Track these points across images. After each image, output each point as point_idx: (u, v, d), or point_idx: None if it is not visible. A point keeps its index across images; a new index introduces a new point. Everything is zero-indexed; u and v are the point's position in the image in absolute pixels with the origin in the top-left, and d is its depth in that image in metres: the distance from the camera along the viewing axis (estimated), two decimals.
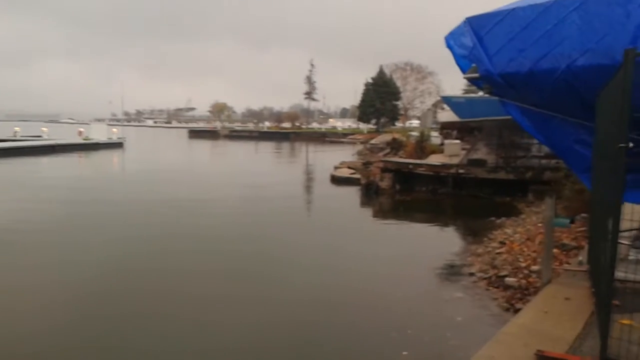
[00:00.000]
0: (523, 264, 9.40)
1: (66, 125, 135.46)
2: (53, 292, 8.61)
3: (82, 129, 49.91)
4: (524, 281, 8.61)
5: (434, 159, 22.43)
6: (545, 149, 18.96)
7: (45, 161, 34.02)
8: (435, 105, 74.92)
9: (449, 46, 7.77)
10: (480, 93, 26.34)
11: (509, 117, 18.10)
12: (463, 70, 7.97)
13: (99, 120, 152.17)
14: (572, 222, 7.37)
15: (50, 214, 15.25)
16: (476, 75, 7.45)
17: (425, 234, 14.63)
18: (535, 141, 19.74)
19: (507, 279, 8.84)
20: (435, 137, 30.73)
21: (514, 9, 7.01)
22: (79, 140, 46.52)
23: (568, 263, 7.93)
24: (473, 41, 7.36)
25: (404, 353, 6.31)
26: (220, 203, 18.08)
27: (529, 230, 12.25)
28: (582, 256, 6.50)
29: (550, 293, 5.24)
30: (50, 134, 49.64)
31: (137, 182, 23.83)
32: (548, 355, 3.70)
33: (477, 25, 7.39)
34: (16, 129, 52.74)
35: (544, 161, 18.81)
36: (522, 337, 4.13)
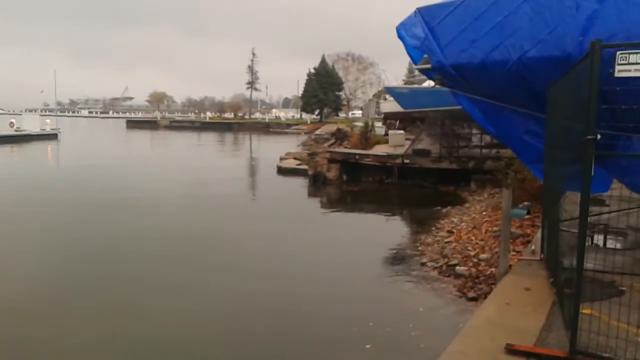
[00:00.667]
0: (472, 253, 9.57)
1: None
2: None
3: (13, 120, 47.20)
4: (474, 269, 8.76)
5: (379, 150, 22.59)
6: (487, 139, 19.50)
7: None
8: (377, 95, 75.82)
9: (400, 37, 7.72)
10: (427, 84, 26.87)
11: (451, 107, 18.51)
12: (414, 61, 7.95)
13: (30, 110, 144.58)
14: (528, 212, 7.53)
15: None
16: (428, 66, 7.44)
17: (375, 223, 14.71)
18: (476, 131, 20.28)
19: (457, 267, 8.98)
20: (379, 128, 31.00)
21: (465, 0, 7.03)
22: (10, 131, 44.00)
23: (516, 252, 8.11)
24: (425, 32, 7.33)
25: (367, 346, 6.25)
26: (161, 200, 17.48)
27: (474, 218, 12.51)
28: (535, 245, 6.64)
29: (509, 284, 5.30)
30: None
31: (72, 179, 22.76)
32: (517, 348, 3.70)
33: (428, 16, 7.37)
34: None
35: (485, 151, 19.30)
36: (488, 331, 4.13)
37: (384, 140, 25.58)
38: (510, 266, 6.18)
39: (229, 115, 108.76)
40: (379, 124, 33.73)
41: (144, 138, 57.26)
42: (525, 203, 10.58)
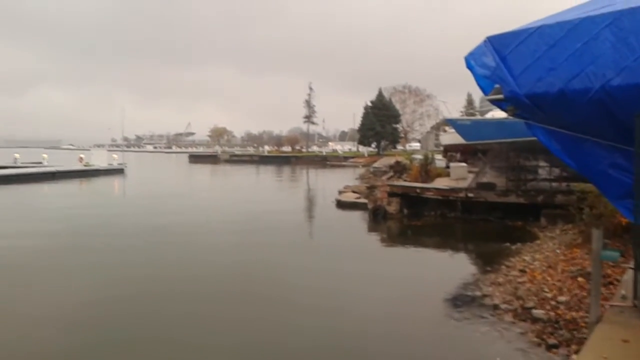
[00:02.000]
0: (549, 295, 8.91)
1: (67, 151, 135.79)
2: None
3: (82, 155, 49.55)
4: (552, 313, 8.12)
5: (440, 183, 22.01)
6: (556, 172, 18.62)
7: (45, 188, 33.57)
8: (435, 127, 74.99)
9: (469, 66, 7.39)
10: (491, 115, 26.15)
11: (517, 139, 17.71)
12: (485, 92, 7.58)
13: (99, 146, 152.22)
14: (621, 255, 6.90)
15: (45, 249, 14.77)
16: (500, 96, 7.06)
17: (439, 259, 14.14)
18: (545, 164, 19.43)
19: (534, 311, 8.34)
20: (439, 160, 30.37)
21: (540, 27, 6.64)
22: (79, 166, 46.16)
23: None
24: (496, 61, 6.98)
25: None
26: (222, 231, 17.58)
27: (548, 257, 11.77)
28: (625, 289, 6.04)
29: (603, 335, 4.76)
30: (50, 161, 49.44)
31: (138, 211, 23.37)
32: None
33: (499, 44, 7.02)
34: (16, 155, 52.46)
35: (554, 184, 18.41)
36: None
37: (444, 173, 24.96)
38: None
39: (286, 148, 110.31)
40: (438, 156, 33.09)
41: (205, 172, 58.70)
42: (607, 241, 9.83)
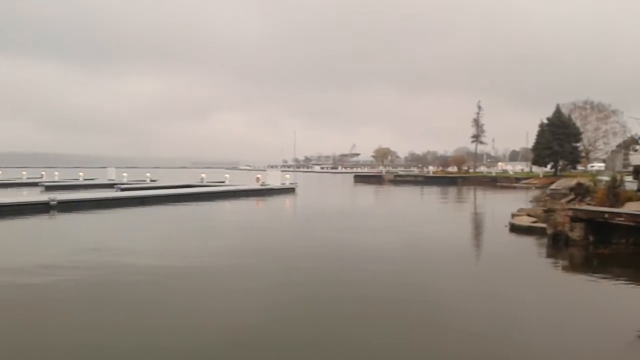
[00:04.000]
0: None
1: (244, 171, 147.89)
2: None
3: (259, 176, 53.60)
4: None
5: (632, 207, 19.57)
6: None
7: (227, 205, 36.78)
8: (623, 146, 67.53)
9: None
10: None
11: None
12: None
13: (272, 166, 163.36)
14: None
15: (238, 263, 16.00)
16: None
17: (632, 292, 12.48)
18: None
19: None
20: (629, 182, 27.12)
21: None
22: (256, 186, 49.90)
23: None
24: None
25: None
26: (382, 251, 17.52)
27: None
28: None
29: None
30: (231, 180, 54.25)
31: (312, 226, 24.43)
32: None
33: None
34: (202, 175, 58.64)
35: None
36: None
37: (635, 196, 22.21)
38: None
39: (452, 169, 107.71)
40: (628, 177, 29.58)
41: (369, 191, 59.66)
42: None
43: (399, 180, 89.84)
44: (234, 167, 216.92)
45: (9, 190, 49.02)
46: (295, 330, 8.91)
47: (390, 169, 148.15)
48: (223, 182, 54.38)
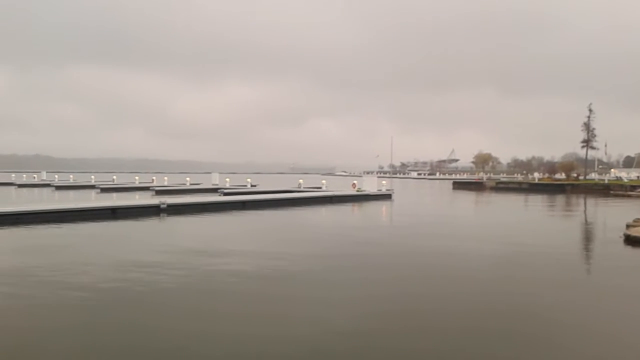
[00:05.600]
0: None
1: (340, 177, 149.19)
2: None
3: (355, 182, 53.74)
4: None
5: None
6: None
7: (323, 210, 37.18)
8: None
9: None
10: None
11: None
12: None
13: (367, 172, 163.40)
14: None
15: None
16: None
17: None
18: None
19: None
20: None
21: None
22: (352, 192, 50.06)
23: None
24: None
25: None
26: (472, 270, 16.74)
27: None
28: None
29: None
30: (328, 186, 54.88)
31: (412, 234, 24.07)
32: None
33: None
34: (300, 181, 59.84)
35: None
36: None
37: None
38: None
39: (559, 176, 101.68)
40: None
41: (469, 199, 57.70)
42: None
43: (501, 187, 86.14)
44: (329, 173, 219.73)
45: (124, 194, 52.92)
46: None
47: (492, 175, 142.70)
48: (320, 187, 55.13)
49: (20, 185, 71.65)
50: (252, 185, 61.54)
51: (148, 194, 52.80)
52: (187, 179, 74.34)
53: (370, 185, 52.28)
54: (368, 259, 16.88)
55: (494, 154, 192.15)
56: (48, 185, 71.50)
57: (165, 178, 73.83)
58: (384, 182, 57.64)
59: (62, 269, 14.32)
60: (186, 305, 10.69)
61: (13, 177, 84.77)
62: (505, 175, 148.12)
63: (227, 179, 66.81)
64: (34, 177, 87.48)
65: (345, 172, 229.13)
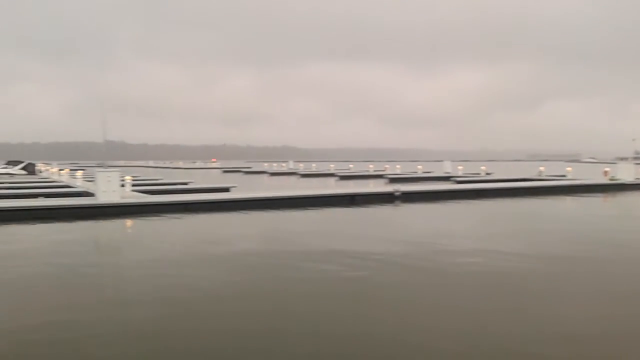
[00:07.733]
0: None
1: (588, 164, 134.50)
2: None
3: (607, 169, 47.63)
4: None
5: None
6: None
7: (568, 201, 33.80)
8: None
9: None
10: None
11: None
12: None
13: (621, 159, 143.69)
14: None
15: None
16: None
17: None
18: None
19: None
20: None
21: None
22: (603, 180, 44.55)
23: None
24: None
25: None
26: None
27: None
28: None
29: None
30: (573, 174, 49.69)
31: None
32: None
33: None
34: (541, 168, 55.44)
35: None
36: None
37: None
38: None
39: None
40: None
41: None
42: None
43: None
44: (574, 160, 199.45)
45: (360, 181, 55.76)
46: None
47: None
48: (564, 175, 50.39)
49: (272, 174, 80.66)
50: (487, 174, 59.20)
51: (381, 181, 54.71)
52: (419, 167, 74.98)
53: (627, 174, 45.68)
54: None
55: None
56: (294, 173, 79.08)
57: (398, 166, 75.66)
58: None
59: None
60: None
61: (265, 166, 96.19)
62: None
63: (460, 167, 65.40)
64: (283, 166, 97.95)
65: (593, 158, 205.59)
